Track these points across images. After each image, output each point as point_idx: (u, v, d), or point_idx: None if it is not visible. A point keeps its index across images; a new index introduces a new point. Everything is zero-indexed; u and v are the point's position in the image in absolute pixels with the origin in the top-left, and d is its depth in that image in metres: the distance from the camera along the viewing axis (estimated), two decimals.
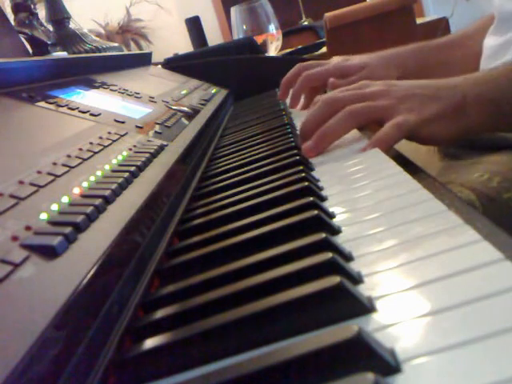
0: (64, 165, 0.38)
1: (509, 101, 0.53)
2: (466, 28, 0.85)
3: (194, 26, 2.38)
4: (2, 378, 0.18)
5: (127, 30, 4.09)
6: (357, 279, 0.26)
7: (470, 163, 0.63)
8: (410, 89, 0.54)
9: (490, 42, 0.71)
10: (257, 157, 0.57)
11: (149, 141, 0.52)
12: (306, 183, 0.41)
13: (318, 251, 0.28)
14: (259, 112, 0.91)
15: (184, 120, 0.69)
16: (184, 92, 0.93)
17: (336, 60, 0.82)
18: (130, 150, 0.47)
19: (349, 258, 0.29)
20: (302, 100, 0.84)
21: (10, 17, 1.12)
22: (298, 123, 0.67)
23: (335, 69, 0.78)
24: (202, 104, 0.87)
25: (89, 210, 0.31)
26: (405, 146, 0.82)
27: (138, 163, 0.43)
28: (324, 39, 1.89)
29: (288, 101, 0.89)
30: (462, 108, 0.52)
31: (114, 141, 0.48)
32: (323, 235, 0.30)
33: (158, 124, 0.61)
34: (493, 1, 0.71)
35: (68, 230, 0.28)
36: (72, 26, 1.24)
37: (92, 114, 0.54)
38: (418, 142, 0.55)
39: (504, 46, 0.66)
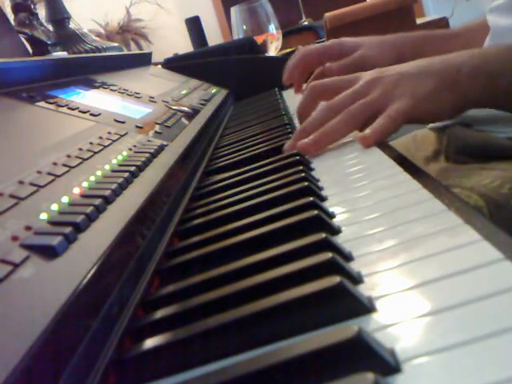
0: (64, 165, 0.38)
1: (506, 74, 0.52)
2: (469, 22, 0.85)
3: (194, 26, 2.38)
4: (2, 378, 0.18)
5: (127, 30, 4.08)
6: (357, 279, 0.26)
7: (480, 168, 0.63)
8: (402, 71, 0.54)
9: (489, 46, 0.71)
10: (257, 157, 0.57)
11: (149, 141, 0.52)
12: (306, 183, 0.41)
13: (318, 251, 0.28)
14: (259, 112, 0.91)
15: (184, 120, 0.69)
16: (184, 92, 0.93)
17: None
18: (130, 150, 0.47)
19: (349, 258, 0.29)
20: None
21: (10, 17, 1.12)
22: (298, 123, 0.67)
23: (332, 44, 0.80)
24: (202, 104, 0.87)
25: (89, 209, 0.31)
26: (408, 149, 0.82)
27: (138, 163, 0.43)
28: (324, 39, 1.89)
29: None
30: (456, 81, 0.51)
31: (114, 141, 0.48)
32: (323, 235, 0.30)
33: (158, 124, 0.61)
34: (485, 15, 0.71)
35: (68, 229, 0.28)
36: (72, 26, 1.23)
37: (92, 114, 0.54)
38: (417, 122, 0.54)
39: None
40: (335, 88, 0.58)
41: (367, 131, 0.51)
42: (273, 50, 1.65)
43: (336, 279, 0.24)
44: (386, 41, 0.81)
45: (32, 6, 1.17)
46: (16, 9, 1.16)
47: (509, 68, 0.52)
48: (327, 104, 0.56)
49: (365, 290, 0.25)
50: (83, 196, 0.34)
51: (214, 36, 3.75)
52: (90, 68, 0.80)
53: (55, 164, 0.37)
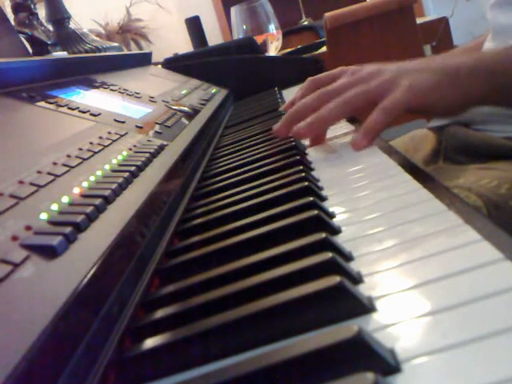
0: (64, 165, 0.38)
1: (504, 71, 0.52)
2: (467, 43, 0.85)
3: (194, 26, 2.38)
4: (2, 378, 0.18)
5: (127, 30, 4.08)
6: (357, 279, 0.26)
7: (479, 168, 0.63)
8: (403, 67, 0.53)
9: (488, 48, 0.71)
10: (257, 157, 0.57)
11: (149, 141, 0.52)
12: (306, 183, 0.41)
13: (318, 251, 0.28)
14: (259, 112, 0.91)
15: (184, 120, 0.69)
16: (184, 92, 0.93)
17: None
18: (130, 149, 0.47)
19: (349, 257, 0.29)
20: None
21: (10, 17, 1.12)
22: None
23: (341, 72, 0.77)
24: (202, 104, 0.87)
25: (89, 209, 0.31)
26: (408, 149, 0.82)
27: (138, 163, 0.43)
28: (324, 39, 1.89)
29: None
30: (456, 78, 0.51)
31: (114, 141, 0.48)
32: (323, 235, 0.30)
33: (157, 124, 0.60)
34: (486, 13, 0.71)
35: (68, 229, 0.28)
36: (72, 26, 1.23)
37: (92, 114, 0.54)
38: (415, 112, 0.54)
39: None
40: (336, 79, 0.57)
41: (358, 135, 0.50)
42: (273, 50, 1.65)
43: (336, 279, 0.24)
44: None
45: (32, 6, 1.17)
46: (16, 9, 1.16)
47: (507, 65, 0.52)
48: (323, 89, 0.55)
49: (365, 289, 0.25)
50: (83, 196, 0.34)
51: (214, 36, 3.75)
52: (90, 68, 0.80)
53: (55, 164, 0.37)
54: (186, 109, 0.77)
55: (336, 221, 0.35)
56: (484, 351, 0.19)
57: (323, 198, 0.40)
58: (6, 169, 0.34)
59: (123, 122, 0.56)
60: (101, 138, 0.47)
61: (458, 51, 0.85)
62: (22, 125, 0.46)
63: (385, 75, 0.52)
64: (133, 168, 0.41)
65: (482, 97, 0.53)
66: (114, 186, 0.36)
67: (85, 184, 0.36)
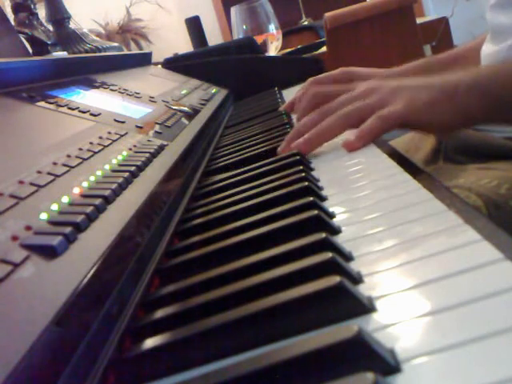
0: (64, 165, 0.38)
1: (505, 89, 0.52)
2: (468, 42, 0.86)
3: (194, 26, 2.38)
4: (2, 378, 0.18)
5: (127, 30, 4.08)
6: (357, 279, 0.26)
7: (478, 168, 0.63)
8: (401, 83, 0.54)
9: (487, 50, 0.71)
10: (257, 157, 0.57)
11: (149, 141, 0.52)
12: (306, 183, 0.41)
13: (318, 251, 0.28)
14: (259, 111, 0.91)
15: (184, 120, 0.69)
16: (184, 92, 0.93)
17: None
18: (130, 149, 0.47)
19: (349, 257, 0.29)
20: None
21: (10, 17, 1.12)
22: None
23: (342, 73, 0.78)
24: (202, 104, 0.87)
25: (89, 209, 0.31)
26: (408, 149, 0.82)
27: (138, 163, 0.43)
28: (324, 39, 1.89)
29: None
30: (454, 96, 0.51)
31: (114, 141, 0.48)
32: (323, 235, 0.30)
33: (157, 124, 0.61)
34: (485, 13, 0.72)
35: (68, 229, 0.28)
36: (72, 26, 1.23)
37: (92, 114, 0.54)
38: (412, 128, 0.54)
39: (500, 53, 0.66)
40: (336, 95, 0.58)
41: (352, 137, 0.51)
42: (273, 50, 1.65)
43: (336, 279, 0.24)
44: (397, 73, 0.80)
45: (32, 6, 1.17)
46: (16, 9, 1.16)
47: (505, 82, 0.52)
48: (323, 107, 0.56)
49: (365, 289, 0.25)
50: (83, 196, 0.34)
51: (214, 36, 3.75)
52: (90, 68, 0.80)
53: (55, 164, 0.37)
54: (186, 109, 0.77)
55: (336, 221, 0.35)
56: (484, 351, 0.19)
57: (323, 198, 0.40)
58: (6, 169, 0.34)
59: (123, 122, 0.56)
60: (101, 138, 0.47)
61: (457, 51, 0.85)
62: (22, 125, 0.46)
63: (383, 91, 0.53)
64: (133, 168, 0.41)
65: (480, 115, 0.53)
66: (114, 186, 0.36)
67: (85, 184, 0.36)
